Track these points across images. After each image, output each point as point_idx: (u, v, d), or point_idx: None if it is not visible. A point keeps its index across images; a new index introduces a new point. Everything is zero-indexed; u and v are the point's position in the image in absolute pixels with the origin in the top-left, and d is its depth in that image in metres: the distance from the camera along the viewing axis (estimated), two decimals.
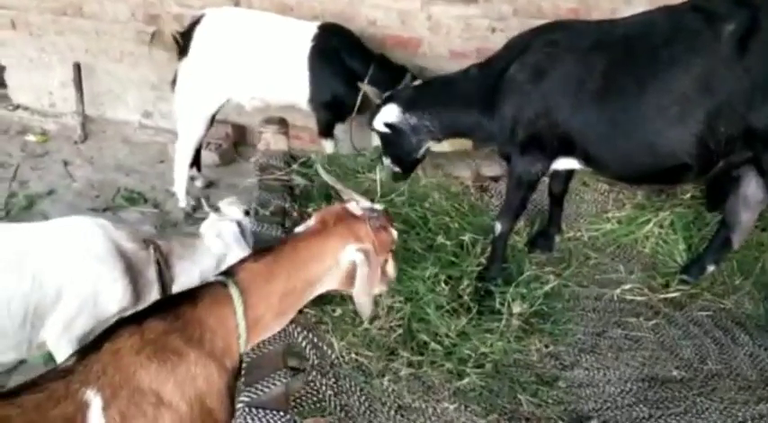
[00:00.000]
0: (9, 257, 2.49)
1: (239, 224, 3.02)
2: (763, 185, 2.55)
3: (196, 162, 4.90)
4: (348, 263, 2.03)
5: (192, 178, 4.94)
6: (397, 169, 3.17)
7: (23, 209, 4.82)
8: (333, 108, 4.26)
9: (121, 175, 5.38)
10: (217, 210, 3.10)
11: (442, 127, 2.94)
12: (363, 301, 2.04)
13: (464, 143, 3.13)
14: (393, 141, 3.06)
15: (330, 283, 2.07)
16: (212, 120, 4.55)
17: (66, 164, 5.52)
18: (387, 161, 3.16)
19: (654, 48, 2.43)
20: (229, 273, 1.90)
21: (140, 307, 2.60)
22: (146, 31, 5.61)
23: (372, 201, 2.41)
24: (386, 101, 3.06)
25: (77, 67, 5.83)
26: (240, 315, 1.82)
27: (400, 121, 2.97)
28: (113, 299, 2.65)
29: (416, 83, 3.35)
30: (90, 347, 1.68)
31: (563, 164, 2.73)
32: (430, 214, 3.06)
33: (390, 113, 2.99)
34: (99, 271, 2.61)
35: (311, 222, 2.10)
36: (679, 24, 2.43)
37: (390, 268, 2.25)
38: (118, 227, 2.82)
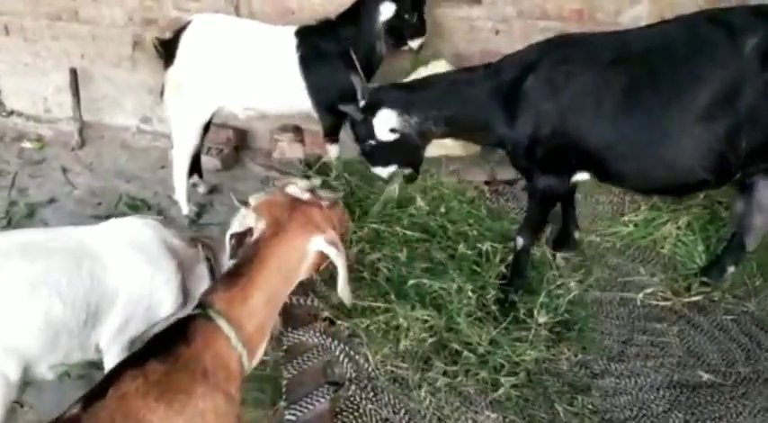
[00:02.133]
0: (68, 260, 2.50)
1: None
2: None
3: (197, 168, 4.86)
4: (314, 252, 2.00)
5: (194, 185, 4.90)
6: (407, 171, 3.10)
7: (24, 217, 4.76)
8: (336, 110, 4.23)
9: (122, 181, 5.32)
10: (246, 204, 3.01)
11: (445, 127, 2.88)
12: (346, 292, 2.05)
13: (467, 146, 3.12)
14: (397, 146, 2.96)
15: (302, 275, 2.04)
16: (207, 126, 4.49)
17: (65, 171, 5.45)
18: (391, 169, 3.06)
19: (674, 63, 2.43)
20: (205, 304, 1.84)
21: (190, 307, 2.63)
22: (143, 35, 5.56)
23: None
24: (372, 108, 2.92)
25: (74, 73, 5.75)
26: (235, 341, 1.79)
27: (401, 125, 2.87)
28: (167, 299, 2.67)
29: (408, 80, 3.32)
30: (94, 394, 1.62)
31: (580, 177, 2.73)
32: (448, 222, 3.05)
33: (389, 119, 2.87)
34: (152, 272, 2.63)
35: (261, 224, 2.01)
36: (698, 37, 2.42)
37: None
38: (166, 226, 2.83)
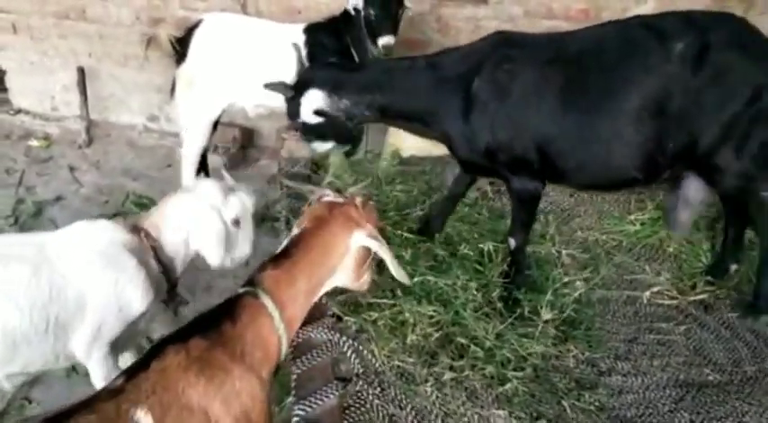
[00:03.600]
0: (25, 268, 2.45)
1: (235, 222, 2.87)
2: (705, 187, 2.67)
3: (203, 167, 4.88)
4: (358, 249, 2.16)
5: None
6: (345, 147, 3.02)
7: (32, 216, 4.79)
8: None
9: (129, 179, 5.36)
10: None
11: (380, 114, 2.76)
12: (402, 274, 2.24)
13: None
14: (327, 126, 2.78)
15: (343, 273, 2.19)
16: (216, 124, 4.53)
17: (72, 169, 5.49)
18: (330, 145, 2.90)
19: (605, 65, 2.47)
20: (254, 283, 1.95)
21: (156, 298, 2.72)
22: (150, 34, 5.58)
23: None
24: (301, 86, 2.76)
25: (81, 71, 5.78)
26: (278, 321, 1.88)
27: (329, 106, 2.70)
28: (135, 298, 2.62)
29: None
30: (138, 366, 1.69)
31: None
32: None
33: (316, 99, 2.70)
34: (115, 276, 2.57)
35: (305, 223, 2.18)
36: (629, 41, 2.46)
37: None
38: (112, 223, 2.74)
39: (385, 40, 4.00)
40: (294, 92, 2.76)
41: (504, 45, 2.65)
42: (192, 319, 1.87)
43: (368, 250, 2.20)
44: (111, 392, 1.63)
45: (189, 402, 1.64)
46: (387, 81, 2.73)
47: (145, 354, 1.74)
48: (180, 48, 4.21)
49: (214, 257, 2.82)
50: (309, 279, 2.03)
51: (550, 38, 2.68)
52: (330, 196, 2.28)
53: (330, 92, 2.70)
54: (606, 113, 2.46)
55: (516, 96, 2.54)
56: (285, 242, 2.20)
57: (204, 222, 2.75)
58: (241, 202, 2.83)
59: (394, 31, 4.05)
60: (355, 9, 4.03)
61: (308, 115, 2.73)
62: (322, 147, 2.92)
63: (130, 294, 2.60)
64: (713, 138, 2.41)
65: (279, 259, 2.04)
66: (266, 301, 1.89)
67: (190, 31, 4.20)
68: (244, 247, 2.93)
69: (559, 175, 2.68)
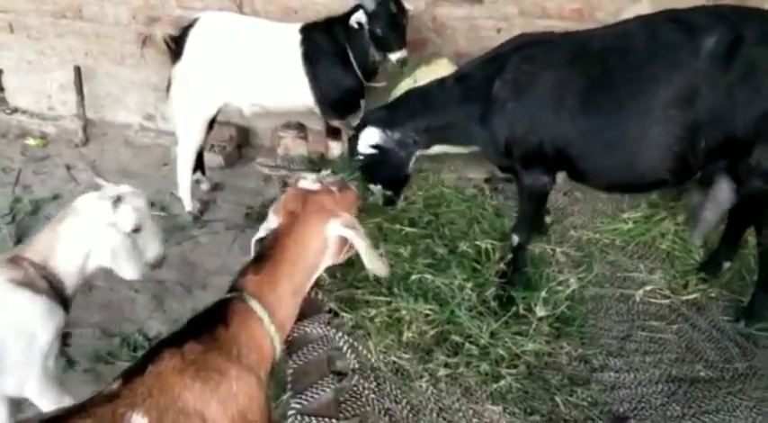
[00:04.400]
0: None
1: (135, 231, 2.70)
2: (735, 191, 2.60)
3: (200, 165, 4.90)
4: (334, 237, 2.13)
5: (197, 181, 4.93)
6: (388, 193, 3.14)
7: (29, 214, 4.80)
8: (339, 106, 4.26)
9: (125, 178, 5.34)
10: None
11: (427, 136, 2.97)
12: (377, 265, 2.18)
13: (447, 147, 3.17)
14: (381, 162, 3.03)
15: (326, 262, 2.18)
16: (212, 123, 4.55)
17: (68, 168, 5.50)
18: (377, 188, 3.13)
19: (632, 63, 2.46)
20: (237, 288, 1.95)
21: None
22: (146, 33, 5.59)
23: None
24: (360, 127, 3.03)
25: (78, 70, 5.79)
26: (268, 323, 1.89)
27: (384, 140, 2.96)
28: (39, 328, 2.48)
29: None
30: (134, 370, 1.70)
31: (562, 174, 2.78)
32: (447, 220, 3.11)
33: (372, 136, 2.97)
34: (5, 319, 2.43)
35: (277, 218, 2.16)
36: (655, 37, 2.44)
37: None
38: None
39: (398, 55, 4.03)
40: (355, 132, 3.04)
41: (525, 46, 2.70)
42: (186, 322, 1.88)
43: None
44: (107, 396, 1.63)
45: (185, 405, 1.65)
46: (424, 104, 2.92)
47: (141, 357, 1.76)
48: (175, 46, 4.22)
49: (128, 272, 2.72)
50: (292, 278, 2.03)
51: (573, 37, 2.69)
52: (306, 179, 2.22)
53: (384, 127, 2.95)
54: (633, 113, 2.44)
55: (535, 96, 2.58)
56: (258, 234, 2.20)
57: (104, 242, 2.61)
58: (132, 207, 2.66)
59: (404, 43, 4.05)
60: (359, 23, 4.01)
61: (364, 148, 2.98)
62: (373, 187, 3.13)
63: (31, 328, 2.47)
64: (747, 136, 2.36)
65: (258, 263, 2.03)
66: (253, 304, 1.90)
67: (185, 29, 4.21)
68: (153, 248, 2.82)
69: (581, 175, 2.70)
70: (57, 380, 2.61)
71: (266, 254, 2.05)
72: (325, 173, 2.26)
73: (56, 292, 2.55)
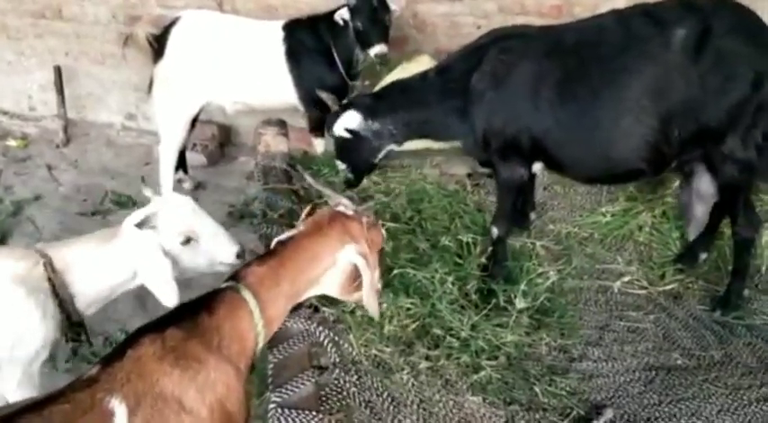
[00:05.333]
0: None
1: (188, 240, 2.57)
2: (712, 181, 2.66)
3: (182, 164, 4.89)
4: (346, 263, 2.13)
5: (179, 181, 4.93)
6: (350, 175, 3.16)
7: (10, 215, 4.77)
8: (323, 103, 4.27)
9: (107, 178, 5.36)
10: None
11: (405, 131, 2.98)
12: (371, 303, 2.17)
13: (426, 143, 3.20)
14: (353, 147, 3.04)
15: (329, 284, 2.17)
16: (194, 122, 4.55)
17: (50, 168, 5.48)
18: (342, 166, 3.14)
19: (605, 55, 2.51)
20: (238, 277, 1.97)
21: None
22: (127, 32, 5.57)
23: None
24: (345, 107, 3.04)
25: (58, 70, 5.77)
26: (258, 317, 1.90)
27: (362, 128, 2.96)
28: (28, 334, 2.40)
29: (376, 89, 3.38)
30: (113, 355, 1.71)
31: (539, 165, 2.82)
32: (429, 215, 3.13)
33: (352, 120, 2.97)
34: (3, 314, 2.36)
35: (302, 226, 2.18)
36: (628, 30, 2.50)
37: (376, 273, 2.32)
38: (4, 250, 2.55)
39: (377, 50, 4.02)
40: (338, 109, 3.02)
41: (503, 38, 2.74)
42: (171, 309, 1.91)
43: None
44: (85, 382, 1.64)
45: (163, 391, 1.66)
46: (406, 98, 2.91)
47: (121, 342, 1.77)
48: (157, 45, 4.22)
49: (169, 297, 2.52)
50: (293, 283, 2.03)
51: (549, 30, 2.74)
52: (344, 206, 2.25)
53: (366, 115, 2.93)
54: (607, 104, 2.48)
55: (513, 86, 2.61)
56: (281, 236, 2.19)
57: (150, 267, 2.50)
58: (177, 216, 2.55)
59: (385, 38, 4.06)
60: (343, 20, 4.04)
61: (339, 130, 2.97)
62: (339, 165, 3.13)
63: (21, 331, 2.38)
64: (720, 125, 2.42)
65: (266, 258, 2.05)
66: (247, 296, 1.91)
67: (167, 28, 4.21)
68: (222, 249, 2.63)
69: (559, 166, 2.75)
70: (36, 387, 2.52)
71: (277, 250, 2.07)
72: (364, 207, 2.29)
73: (60, 301, 2.46)
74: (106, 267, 2.51)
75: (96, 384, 1.62)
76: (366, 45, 4.07)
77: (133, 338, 1.75)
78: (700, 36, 2.38)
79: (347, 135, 2.95)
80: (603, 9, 4.16)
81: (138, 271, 2.53)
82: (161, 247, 2.49)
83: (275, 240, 2.22)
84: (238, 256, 2.65)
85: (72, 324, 2.54)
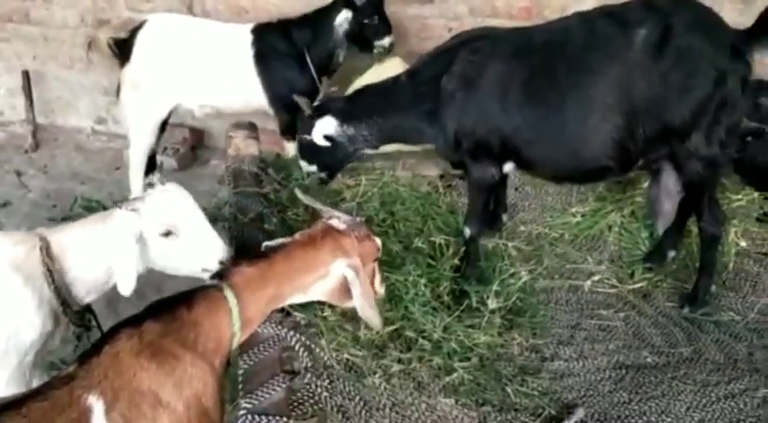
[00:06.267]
0: None
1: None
2: (679, 178, 2.72)
3: (152, 168, 4.84)
4: (337, 276, 2.17)
5: (149, 185, 4.87)
6: (323, 175, 3.19)
7: None
8: (293, 107, 4.26)
9: (77, 183, 5.28)
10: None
11: (379, 135, 3.01)
12: (369, 314, 2.19)
13: (399, 145, 3.22)
14: (327, 152, 3.08)
15: (317, 294, 2.20)
16: (164, 126, 4.51)
17: (18, 174, 5.38)
18: (311, 168, 3.17)
19: (570, 56, 2.56)
20: (223, 276, 1.99)
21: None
22: (96, 35, 5.50)
23: (352, 213, 2.55)
24: (319, 112, 3.05)
25: (26, 75, 5.68)
26: (236, 317, 1.91)
27: (338, 134, 3.00)
28: (24, 323, 2.31)
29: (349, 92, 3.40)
30: (90, 351, 1.73)
31: (510, 165, 2.84)
32: (402, 217, 3.13)
33: (329, 126, 3.00)
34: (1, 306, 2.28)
35: (297, 237, 2.21)
36: (593, 31, 2.55)
37: (377, 281, 2.39)
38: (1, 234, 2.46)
39: (388, 40, 4.21)
40: (312, 113, 3.04)
41: (473, 40, 2.77)
42: (151, 303, 1.90)
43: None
44: (63, 379, 1.66)
45: (140, 386, 1.68)
46: (380, 102, 2.95)
47: (99, 338, 1.78)
48: (124, 49, 4.18)
49: (125, 285, 2.36)
50: (278, 287, 2.05)
51: (518, 31, 2.79)
52: (340, 220, 2.28)
53: (341, 121, 2.97)
54: (574, 104, 2.53)
55: (482, 87, 2.64)
56: (270, 242, 2.22)
57: (134, 253, 2.36)
58: (162, 206, 2.39)
59: (391, 28, 4.24)
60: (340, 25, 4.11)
61: (318, 137, 3.02)
62: (306, 167, 3.16)
63: (16, 320, 2.29)
64: (683, 122, 2.47)
65: (257, 261, 2.06)
66: (229, 295, 1.92)
67: (133, 32, 4.18)
68: (201, 253, 2.41)
69: (529, 165, 2.79)
70: (26, 383, 2.42)
71: (268, 254, 2.10)
72: (358, 220, 2.33)
73: (55, 287, 2.33)
74: (101, 249, 2.39)
75: (74, 381, 1.64)
76: (378, 37, 4.18)
77: (110, 334, 1.76)
78: (661, 35, 2.43)
79: (325, 143, 2.98)
80: (573, 10, 4.27)
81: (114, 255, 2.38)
82: (138, 231, 2.35)
83: (264, 244, 2.23)
84: (220, 262, 2.46)
85: (75, 312, 2.45)
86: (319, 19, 4.18)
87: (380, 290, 2.44)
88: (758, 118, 3.40)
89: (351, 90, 3.99)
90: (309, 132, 3.07)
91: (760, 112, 3.42)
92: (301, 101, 3.14)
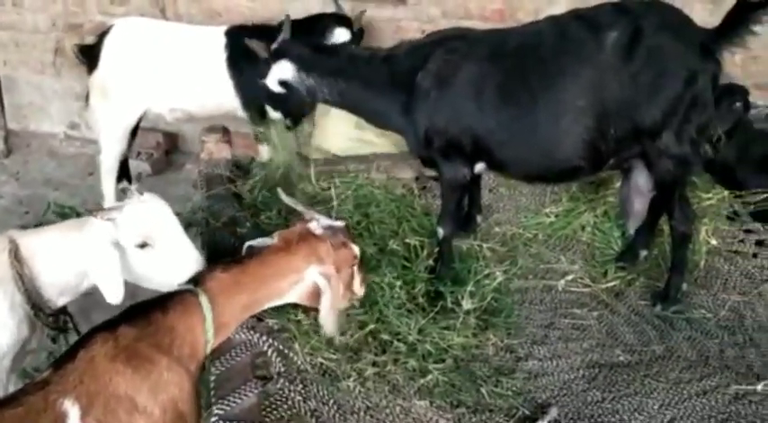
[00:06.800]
0: None
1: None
2: (650, 176, 2.76)
3: (125, 173, 4.80)
4: (311, 281, 2.19)
5: (123, 190, 4.82)
6: (288, 122, 3.15)
7: None
8: (265, 111, 4.25)
9: (50, 189, 5.24)
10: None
11: (339, 100, 2.92)
12: (329, 322, 2.22)
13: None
14: (285, 98, 3.00)
15: (292, 297, 2.23)
16: (135, 131, 4.47)
17: None
18: (276, 115, 3.11)
19: (543, 58, 2.58)
20: (198, 281, 1.99)
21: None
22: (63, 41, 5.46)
23: (331, 216, 2.55)
24: (276, 55, 2.92)
25: None
26: (210, 323, 1.92)
27: (295, 80, 2.87)
28: (2, 330, 2.30)
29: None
30: (65, 357, 1.74)
31: (481, 166, 2.86)
32: (376, 219, 3.13)
33: (285, 71, 2.87)
34: None
35: (273, 240, 2.22)
36: (565, 34, 2.58)
37: (357, 283, 2.41)
38: None
39: None
40: (270, 56, 2.91)
41: (450, 39, 2.77)
42: (125, 308, 1.91)
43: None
44: (37, 385, 1.66)
45: (116, 391, 1.68)
46: (349, 69, 2.84)
47: (73, 343, 1.79)
48: (92, 55, 4.14)
49: (113, 294, 2.30)
50: (253, 293, 2.07)
51: (494, 34, 2.79)
52: (319, 222, 2.29)
53: (300, 68, 2.84)
54: (546, 105, 2.55)
55: (456, 87, 2.64)
56: (252, 242, 2.24)
57: (106, 261, 2.30)
58: (139, 216, 2.36)
59: None
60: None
61: (273, 82, 2.89)
62: (272, 113, 3.03)
63: None
64: (654, 121, 2.50)
65: (231, 266, 2.07)
66: (203, 300, 1.93)
67: (100, 37, 4.14)
68: (176, 267, 2.33)
69: (501, 166, 2.80)
70: (3, 387, 2.41)
71: (243, 260, 2.10)
72: (338, 224, 2.37)
73: (25, 290, 2.31)
74: (72, 255, 2.36)
75: (48, 386, 1.64)
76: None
77: (85, 339, 1.77)
78: (631, 37, 2.46)
79: (279, 88, 2.89)
80: (544, 13, 4.30)
81: (90, 263, 2.35)
82: (115, 241, 2.32)
83: (246, 244, 2.24)
84: None
85: (49, 315, 2.43)
86: (315, 31, 4.08)
87: (360, 291, 2.46)
88: (733, 122, 3.43)
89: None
90: (265, 77, 2.95)
91: (733, 116, 3.46)
92: (256, 44, 3.02)
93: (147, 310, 1.87)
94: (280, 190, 2.63)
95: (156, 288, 2.38)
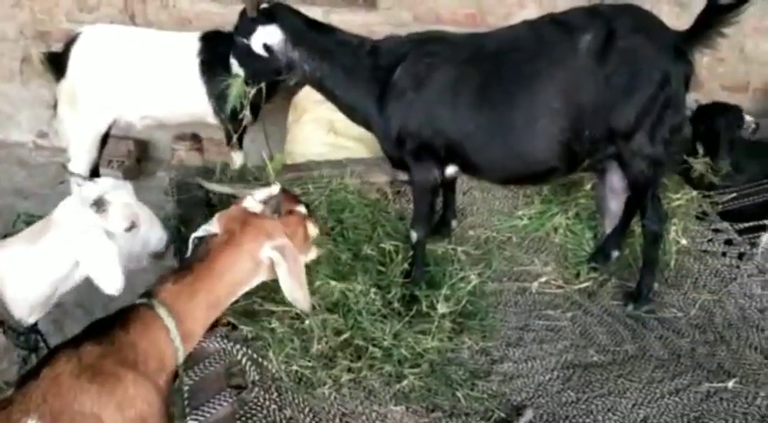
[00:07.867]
0: None
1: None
2: (623, 177, 2.79)
3: None
4: (267, 259, 2.14)
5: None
6: (247, 79, 3.04)
7: None
8: (239, 118, 4.22)
9: (20, 199, 5.16)
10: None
11: (317, 81, 2.84)
12: (297, 296, 2.15)
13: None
14: (261, 61, 2.84)
15: (256, 280, 2.18)
16: (105, 139, 4.42)
17: None
18: (239, 71, 3.03)
19: (519, 62, 2.61)
20: (151, 294, 1.95)
21: None
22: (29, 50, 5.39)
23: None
24: (267, 16, 2.77)
25: None
26: (174, 334, 1.89)
27: (279, 49, 2.76)
28: None
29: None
30: (28, 375, 1.70)
31: (453, 169, 2.85)
32: (350, 225, 3.13)
33: (273, 37, 2.75)
34: None
35: (215, 229, 2.16)
36: (540, 38, 2.61)
37: (312, 232, 2.39)
38: None
39: None
40: (257, 15, 2.76)
41: (429, 41, 2.77)
42: (86, 326, 1.88)
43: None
44: (1, 403, 1.63)
45: (82, 408, 1.65)
46: (336, 53, 2.77)
47: (37, 363, 1.77)
48: (59, 63, 4.09)
49: (113, 283, 2.29)
50: (210, 294, 2.02)
51: (472, 37, 2.80)
52: (251, 200, 2.23)
53: (288, 38, 2.73)
54: (522, 107, 2.58)
55: (433, 89, 2.65)
56: (197, 233, 2.20)
57: (98, 253, 2.28)
58: (120, 204, 2.38)
59: None
60: None
61: (257, 44, 2.78)
62: (237, 68, 3.03)
63: None
64: (628, 123, 2.54)
65: (180, 273, 2.03)
66: (161, 312, 1.89)
67: (67, 46, 4.10)
68: (155, 236, 2.54)
69: (475, 169, 2.81)
70: None
71: (192, 266, 2.04)
72: (274, 189, 2.28)
73: None
74: (42, 263, 2.29)
75: (12, 406, 1.61)
76: None
77: (49, 357, 1.74)
78: (604, 40, 2.49)
79: (262, 51, 2.79)
80: (515, 17, 4.35)
81: (78, 258, 2.30)
82: (105, 230, 2.31)
83: (191, 237, 2.21)
84: (167, 245, 2.60)
85: (20, 334, 2.37)
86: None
87: (314, 231, 2.44)
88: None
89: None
90: (248, 36, 2.81)
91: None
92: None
93: (108, 327, 1.83)
94: (199, 179, 2.57)
95: (135, 266, 2.52)
